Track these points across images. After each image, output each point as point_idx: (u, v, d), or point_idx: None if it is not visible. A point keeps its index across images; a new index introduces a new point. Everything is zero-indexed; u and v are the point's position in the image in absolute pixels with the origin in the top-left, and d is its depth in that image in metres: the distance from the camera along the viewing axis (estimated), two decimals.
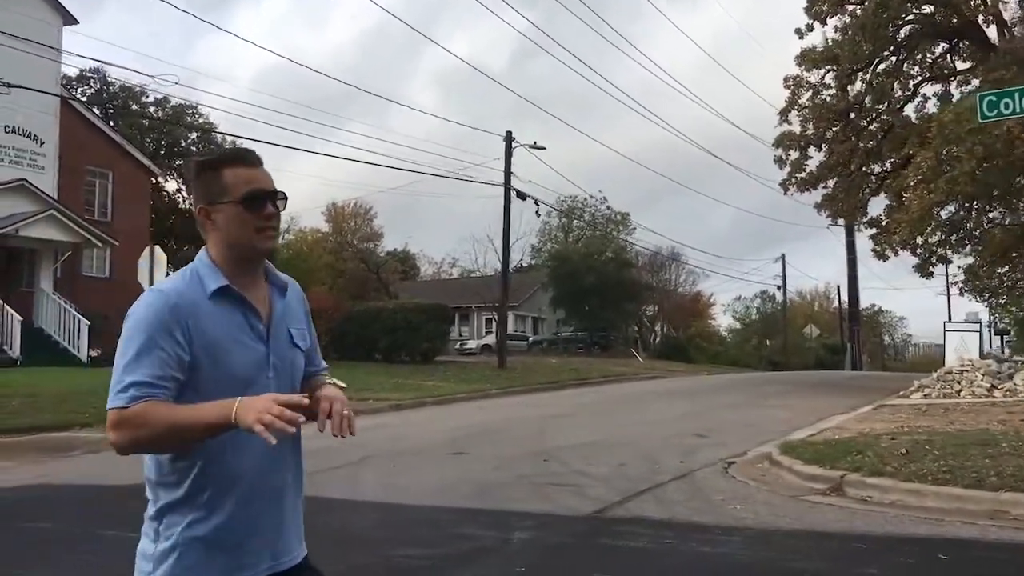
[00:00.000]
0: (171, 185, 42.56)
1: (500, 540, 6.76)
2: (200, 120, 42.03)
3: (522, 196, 31.56)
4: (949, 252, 23.86)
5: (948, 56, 25.18)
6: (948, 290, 73.22)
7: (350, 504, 8.25)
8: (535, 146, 31.52)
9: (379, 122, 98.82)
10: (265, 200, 2.20)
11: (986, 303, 38.39)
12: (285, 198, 2.27)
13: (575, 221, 63.70)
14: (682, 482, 9.27)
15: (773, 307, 65.54)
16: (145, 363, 2.04)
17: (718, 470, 10.10)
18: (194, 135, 43.46)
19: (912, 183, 20.62)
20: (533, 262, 65.64)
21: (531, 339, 55.01)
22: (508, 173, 31.07)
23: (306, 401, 2.11)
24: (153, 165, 34.08)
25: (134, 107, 41.13)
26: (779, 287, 61.95)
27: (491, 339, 54.99)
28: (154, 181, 35.55)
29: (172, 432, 2.02)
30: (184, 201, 43.98)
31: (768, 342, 63.64)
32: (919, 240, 22.38)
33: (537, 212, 32.22)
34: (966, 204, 22.12)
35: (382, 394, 21.16)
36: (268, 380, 2.21)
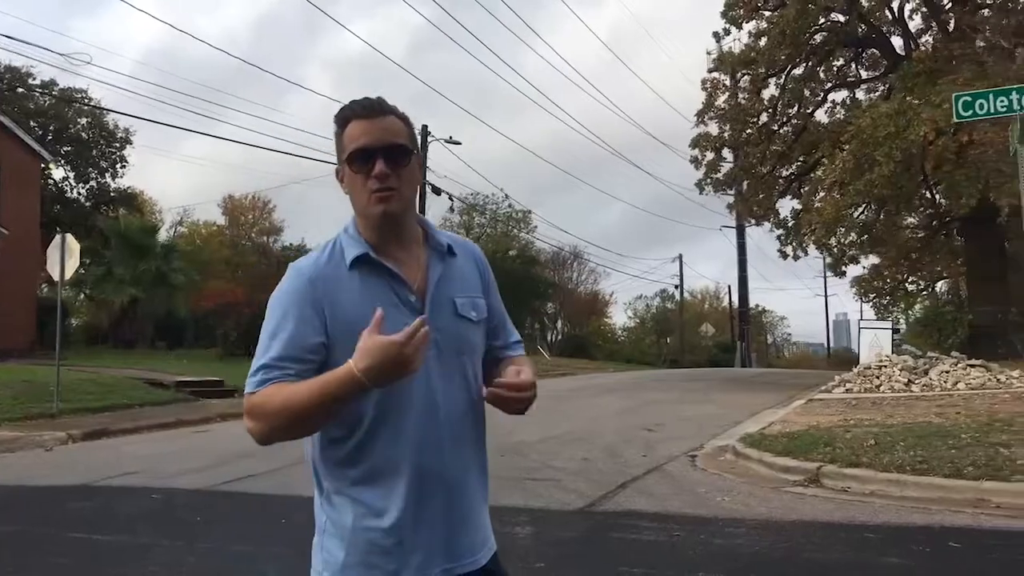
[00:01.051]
0: (59, 173, 40.39)
1: (503, 536, 6.53)
2: (90, 103, 39.93)
3: (437, 191, 31.27)
4: (859, 253, 24.78)
5: (854, 64, 26.13)
6: (826, 291, 76.40)
7: None
8: (451, 141, 31.29)
9: (273, 108, 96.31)
10: (372, 157, 1.93)
11: (872, 304, 40.16)
12: (407, 152, 1.98)
13: (476, 218, 63.57)
14: (657, 475, 9.23)
15: (672, 306, 66.88)
16: (274, 345, 1.88)
17: (685, 463, 10.12)
18: (84, 120, 41.33)
19: (828, 184, 21.28)
20: None
21: None
22: (424, 168, 30.66)
23: (422, 330, 1.77)
24: (44, 151, 32.27)
25: (20, 90, 38.79)
26: (676, 286, 63.34)
27: None
28: (42, 167, 33.68)
29: (291, 411, 1.81)
30: (72, 190, 41.93)
31: (668, 340, 64.94)
32: (833, 241, 23.17)
33: (451, 208, 32.01)
34: (876, 207, 22.98)
35: None
36: (427, 358, 1.89)
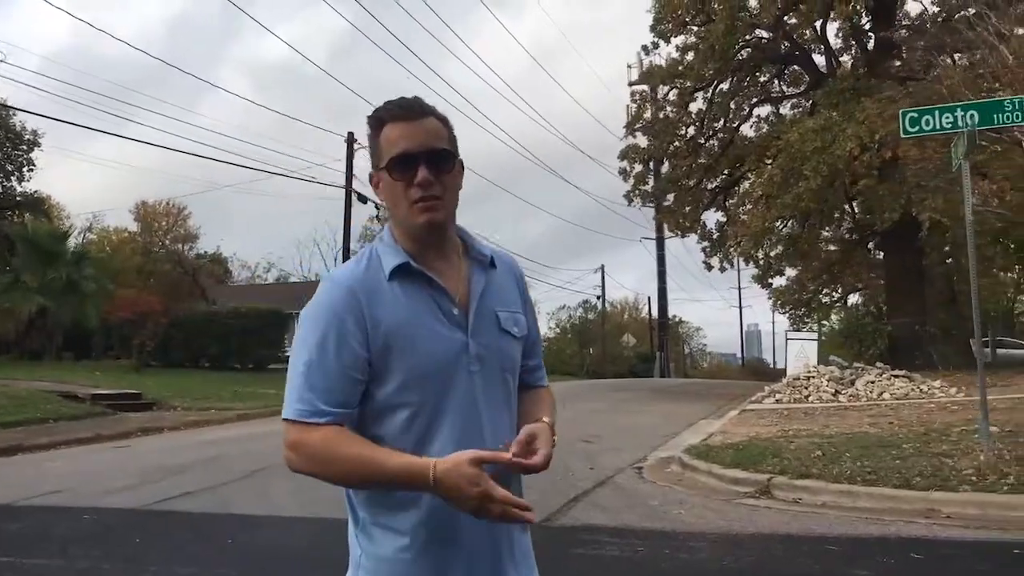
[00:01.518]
0: None
1: None
2: None
3: (363, 199, 30.74)
4: (784, 265, 25.27)
5: (777, 80, 26.71)
6: (741, 303, 77.96)
7: (280, 521, 7.58)
8: None
9: (188, 111, 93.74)
10: (414, 163, 1.77)
11: (788, 315, 41.19)
12: (450, 156, 1.83)
13: None
14: (608, 488, 9.12)
15: (594, 316, 67.37)
16: (326, 366, 1.73)
17: (633, 475, 10.04)
18: None
19: (756, 197, 21.65)
20: None
21: None
22: (349, 175, 30.16)
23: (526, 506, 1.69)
24: None
25: None
26: (598, 297, 63.83)
27: None
28: None
29: (353, 477, 1.74)
30: None
31: (591, 350, 65.36)
32: (760, 253, 23.57)
33: (378, 216, 31.46)
34: (800, 220, 23.47)
35: (223, 404, 20.05)
36: (471, 375, 1.80)
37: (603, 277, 62.63)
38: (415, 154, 1.78)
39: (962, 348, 28.24)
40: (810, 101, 24.41)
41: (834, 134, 19.12)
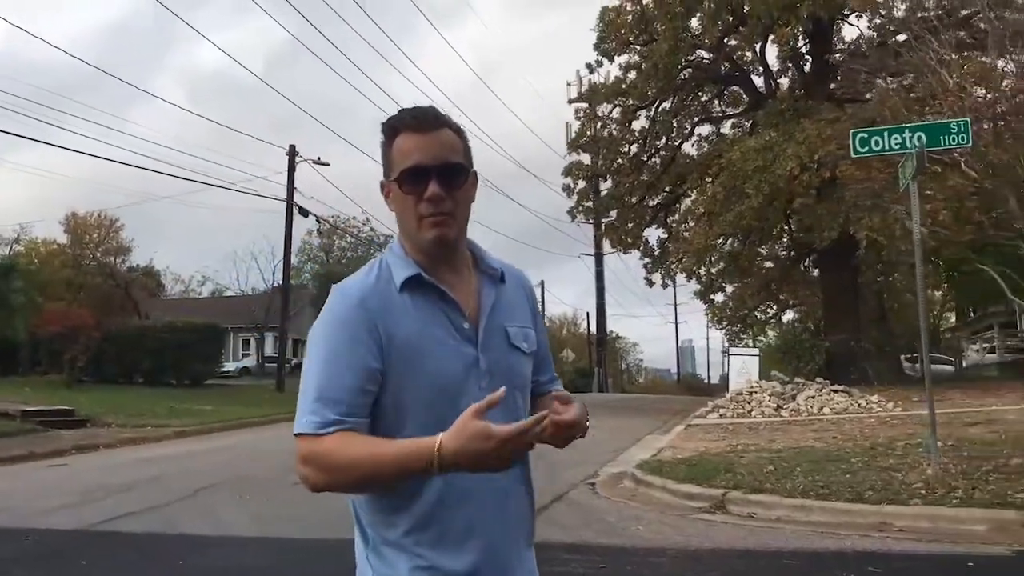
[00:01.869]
0: None
1: None
2: None
3: (304, 212, 30.45)
4: (725, 282, 25.64)
5: (717, 100, 27.18)
6: (677, 319, 78.90)
7: (232, 542, 7.35)
8: (319, 162, 30.54)
9: (121, 119, 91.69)
10: (426, 177, 1.72)
11: (725, 330, 41.89)
12: (464, 171, 1.78)
13: (337, 241, 62.42)
14: (563, 504, 9.08)
15: None
16: (331, 377, 1.68)
17: (586, 491, 10.03)
18: None
19: (699, 215, 21.95)
20: (292, 282, 63.40)
21: (294, 362, 53.08)
22: (291, 188, 29.89)
23: (543, 417, 1.60)
24: None
25: None
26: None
27: (250, 361, 52.53)
28: None
29: (361, 473, 1.65)
30: None
31: None
32: (702, 270, 23.88)
33: (319, 229, 31.20)
34: (741, 238, 23.85)
35: (159, 420, 19.57)
36: (481, 391, 1.72)
37: (543, 293, 62.78)
38: (427, 168, 1.73)
39: (894, 364, 28.99)
40: (750, 121, 24.87)
41: (775, 153, 19.51)
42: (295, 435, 1.69)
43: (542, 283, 62.88)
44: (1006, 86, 11.56)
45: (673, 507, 8.88)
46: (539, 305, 2.03)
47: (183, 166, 78.13)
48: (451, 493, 1.71)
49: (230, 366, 49.30)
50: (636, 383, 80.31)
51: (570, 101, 54.24)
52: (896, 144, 8.59)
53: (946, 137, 8.52)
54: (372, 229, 62.20)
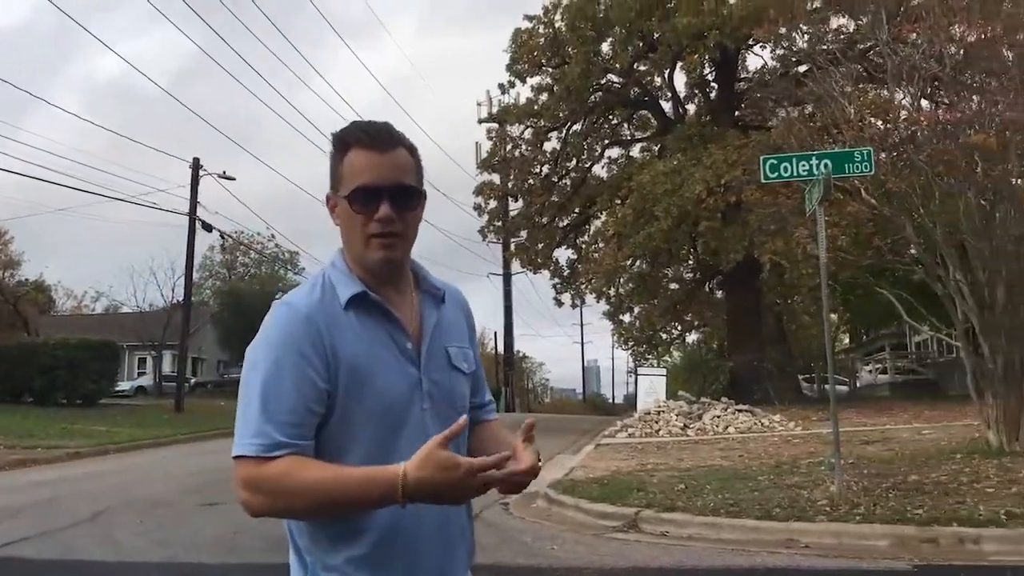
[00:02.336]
0: None
1: None
2: None
3: (208, 227, 29.74)
4: (634, 303, 26.04)
5: (627, 124, 27.71)
6: (583, 339, 79.75)
7: (132, 568, 7.06)
8: (224, 176, 29.89)
9: (12, 126, 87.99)
10: (377, 198, 1.69)
11: (631, 351, 42.65)
12: (417, 194, 1.75)
13: (240, 257, 61.19)
14: (478, 523, 8.86)
15: None
16: (276, 397, 1.61)
17: (499, 510, 9.97)
18: None
19: (609, 236, 22.27)
20: (193, 299, 61.67)
21: (193, 381, 51.59)
22: (194, 202, 29.13)
23: (507, 456, 1.60)
24: None
25: None
26: None
27: (146, 380, 50.80)
28: None
29: (315, 501, 1.59)
30: None
31: None
32: (612, 291, 24.19)
33: (223, 245, 30.47)
34: (649, 259, 24.29)
35: (51, 441, 18.77)
36: (423, 412, 1.73)
37: None
38: (380, 188, 1.69)
39: (794, 384, 29.88)
40: (658, 145, 25.42)
41: (683, 177, 19.96)
42: (235, 457, 1.61)
43: None
44: (902, 118, 12.08)
45: (587, 526, 8.90)
46: (475, 324, 2.00)
47: (80, 177, 74.97)
48: (398, 520, 1.66)
49: (125, 385, 47.50)
50: (542, 403, 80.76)
51: (480, 121, 54.49)
52: (804, 171, 8.87)
53: (850, 165, 8.85)
54: (277, 245, 61.33)
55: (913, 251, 12.55)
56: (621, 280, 23.62)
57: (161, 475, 13.33)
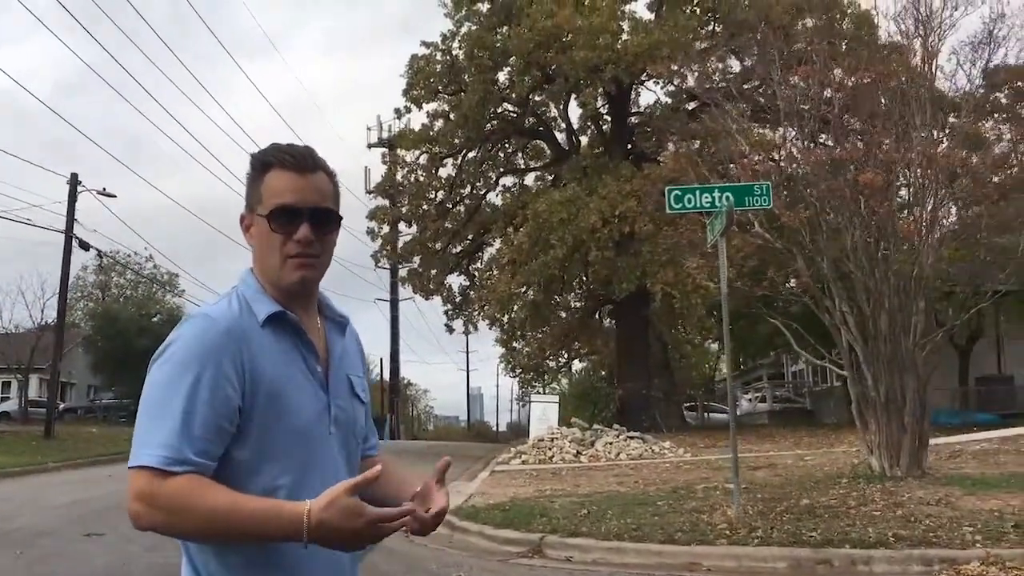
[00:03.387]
0: None
1: None
2: None
3: (85, 246, 28.48)
4: (527, 331, 26.17)
5: (521, 153, 28.02)
6: (468, 366, 79.85)
7: None
8: (104, 193, 28.72)
9: None
10: (297, 218, 1.70)
11: (519, 378, 42.93)
12: (335, 218, 1.78)
13: (115, 278, 58.79)
14: (379, 552, 8.80)
15: None
16: (187, 410, 1.57)
17: (401, 538, 9.80)
18: None
19: (504, 263, 22.40)
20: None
21: (62, 406, 49.07)
22: (71, 220, 27.84)
23: (410, 511, 1.60)
24: None
25: None
26: None
27: (11, 405, 48.06)
28: None
29: (216, 527, 1.55)
30: None
31: None
32: (505, 317, 24.27)
33: (100, 264, 29.24)
34: (542, 287, 24.50)
35: None
36: (330, 436, 1.74)
37: None
38: (300, 210, 1.70)
39: (679, 412, 30.59)
40: (552, 175, 25.79)
41: (578, 207, 20.30)
42: (131, 467, 1.56)
43: None
44: (789, 154, 12.63)
45: (491, 552, 8.88)
46: (365, 355, 2.01)
47: None
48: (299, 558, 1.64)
49: None
50: (427, 430, 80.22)
51: (370, 146, 54.40)
52: (706, 202, 9.15)
53: (750, 198, 9.19)
54: (156, 266, 59.24)
55: (792, 284, 13.11)
56: (514, 308, 23.76)
57: (39, 504, 12.59)
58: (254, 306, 1.70)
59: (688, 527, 8.77)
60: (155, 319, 47.65)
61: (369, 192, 53.81)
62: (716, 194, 9.14)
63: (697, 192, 9.33)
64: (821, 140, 19.17)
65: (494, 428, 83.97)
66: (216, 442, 1.59)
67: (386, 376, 60.20)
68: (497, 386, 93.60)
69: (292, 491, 1.63)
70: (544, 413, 21.14)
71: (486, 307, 23.48)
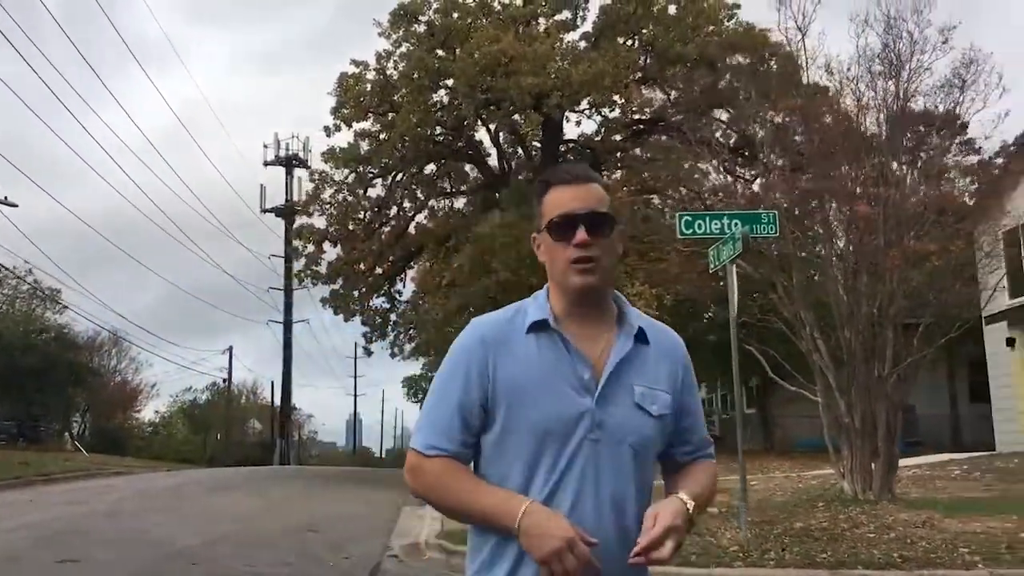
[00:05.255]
0: None
1: None
2: None
3: None
4: None
5: (451, 176, 27.92)
6: (356, 390, 78.90)
7: None
8: (5, 202, 27.16)
9: None
10: (574, 225, 1.86)
11: (420, 402, 42.39)
12: (610, 221, 1.91)
13: None
14: None
15: (217, 399, 63.71)
16: (445, 405, 1.90)
17: (397, 564, 9.58)
18: None
19: (436, 285, 22.22)
20: None
21: None
22: None
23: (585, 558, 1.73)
24: None
25: None
26: (225, 380, 60.72)
27: None
28: None
29: (455, 509, 1.90)
30: None
31: (219, 436, 61.60)
32: (438, 340, 23.91)
33: None
34: (474, 311, 24.37)
35: None
36: (593, 442, 1.84)
37: (231, 360, 59.83)
38: (575, 215, 1.86)
39: None
40: (481, 198, 25.78)
41: (520, 232, 20.30)
42: (408, 448, 1.93)
43: (230, 349, 60.06)
44: (766, 184, 13.03)
45: None
46: (693, 375, 2.04)
47: None
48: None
49: None
50: (312, 456, 78.53)
51: (266, 163, 53.28)
52: (716, 229, 9.32)
53: (758, 226, 9.40)
54: (36, 280, 56.06)
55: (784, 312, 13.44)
56: (448, 330, 23.46)
57: None
58: (529, 314, 1.90)
59: (700, 549, 8.82)
60: (42, 336, 44.89)
61: (264, 210, 52.80)
62: (726, 221, 9.32)
63: (707, 219, 9.50)
64: (734, 174, 20.01)
65: (377, 455, 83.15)
66: (463, 433, 1.86)
67: (277, 401, 58.75)
68: (382, 412, 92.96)
69: (523, 486, 1.82)
70: None
71: (411, 329, 23.16)
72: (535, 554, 1.72)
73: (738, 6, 24.34)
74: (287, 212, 50.00)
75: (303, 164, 50.91)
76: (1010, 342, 20.73)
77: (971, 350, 21.48)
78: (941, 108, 11.75)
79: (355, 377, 78.84)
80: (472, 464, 1.93)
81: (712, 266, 9.70)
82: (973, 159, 13.71)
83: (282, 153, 53.01)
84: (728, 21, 24.30)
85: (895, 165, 12.31)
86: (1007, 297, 18.34)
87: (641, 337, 1.93)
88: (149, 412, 64.65)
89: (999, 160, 15.38)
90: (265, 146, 53.31)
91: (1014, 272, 17.86)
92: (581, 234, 1.84)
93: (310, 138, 52.03)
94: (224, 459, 53.00)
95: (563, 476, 1.81)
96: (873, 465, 11.38)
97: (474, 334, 1.91)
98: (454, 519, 1.99)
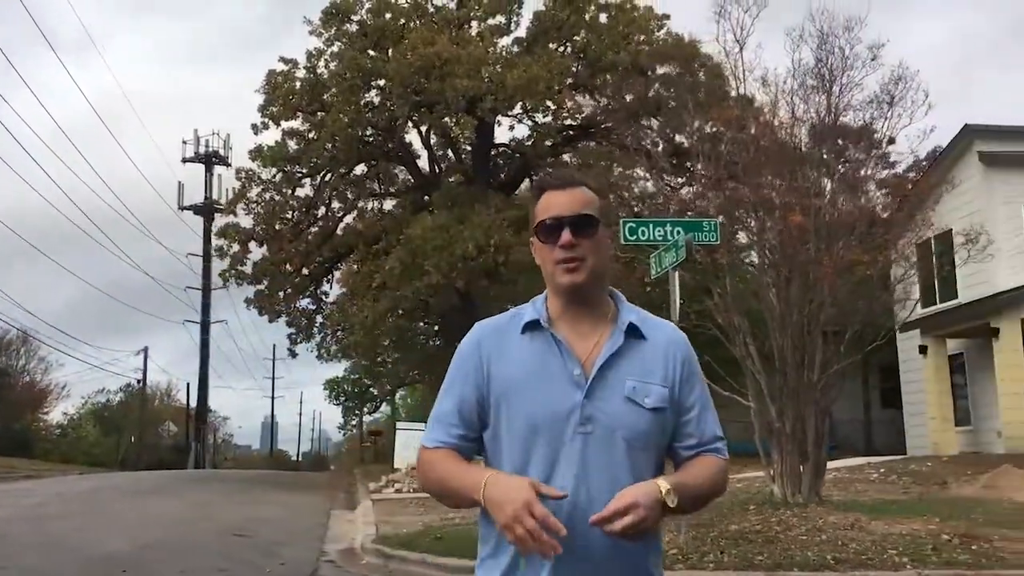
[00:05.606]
0: None
1: None
2: None
3: None
4: (393, 355, 25.64)
5: (382, 177, 27.61)
6: (273, 393, 77.85)
7: None
8: None
9: None
10: (557, 228, 1.98)
11: (341, 405, 42.71)
12: (593, 222, 2.00)
13: None
14: None
15: (130, 400, 61.83)
16: (446, 403, 2.04)
17: (334, 569, 9.43)
18: None
19: (367, 287, 21.98)
20: None
21: None
22: None
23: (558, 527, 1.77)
24: None
25: None
26: (139, 381, 59.00)
27: None
28: None
29: (442, 491, 2.00)
30: None
31: (132, 439, 59.74)
32: (368, 342, 23.63)
33: None
34: (403, 313, 24.20)
35: None
36: (579, 435, 1.91)
37: (145, 360, 58.10)
38: (561, 218, 1.97)
39: None
40: (411, 200, 25.58)
41: (451, 235, 20.25)
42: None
43: (145, 350, 58.41)
44: (698, 192, 13.25)
45: None
46: (694, 370, 2.08)
47: None
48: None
49: None
50: (227, 458, 76.93)
51: (184, 160, 51.94)
52: (659, 236, 9.43)
53: (699, 233, 9.54)
54: None
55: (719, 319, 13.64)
56: (378, 333, 23.23)
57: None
58: (525, 315, 2.03)
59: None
60: None
61: (183, 208, 51.44)
62: (668, 228, 9.43)
63: (651, 225, 9.61)
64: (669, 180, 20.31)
65: (293, 457, 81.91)
66: (461, 427, 1.99)
67: (193, 403, 57.37)
68: (300, 415, 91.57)
69: (518, 474, 1.89)
70: (408, 441, 20.83)
71: (339, 330, 22.84)
72: (498, 523, 1.78)
73: (668, 17, 24.73)
74: (206, 210, 48.91)
75: (224, 161, 49.87)
76: (923, 350, 21.53)
77: (883, 357, 22.17)
78: (870, 123, 12.06)
79: (272, 379, 77.61)
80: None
81: (654, 273, 9.81)
82: (887, 172, 14.11)
83: (202, 150, 51.70)
84: (659, 31, 24.65)
85: (817, 176, 12.66)
86: (919, 307, 19.03)
87: (636, 332, 2.00)
88: (58, 414, 62.42)
89: (911, 175, 15.91)
90: (184, 142, 51.92)
91: (926, 282, 18.56)
92: (566, 235, 1.95)
93: (231, 135, 51.01)
94: (136, 462, 51.64)
95: (555, 468, 1.89)
96: (802, 468, 11.65)
97: (472, 337, 2.07)
98: (446, 504, 2.07)
